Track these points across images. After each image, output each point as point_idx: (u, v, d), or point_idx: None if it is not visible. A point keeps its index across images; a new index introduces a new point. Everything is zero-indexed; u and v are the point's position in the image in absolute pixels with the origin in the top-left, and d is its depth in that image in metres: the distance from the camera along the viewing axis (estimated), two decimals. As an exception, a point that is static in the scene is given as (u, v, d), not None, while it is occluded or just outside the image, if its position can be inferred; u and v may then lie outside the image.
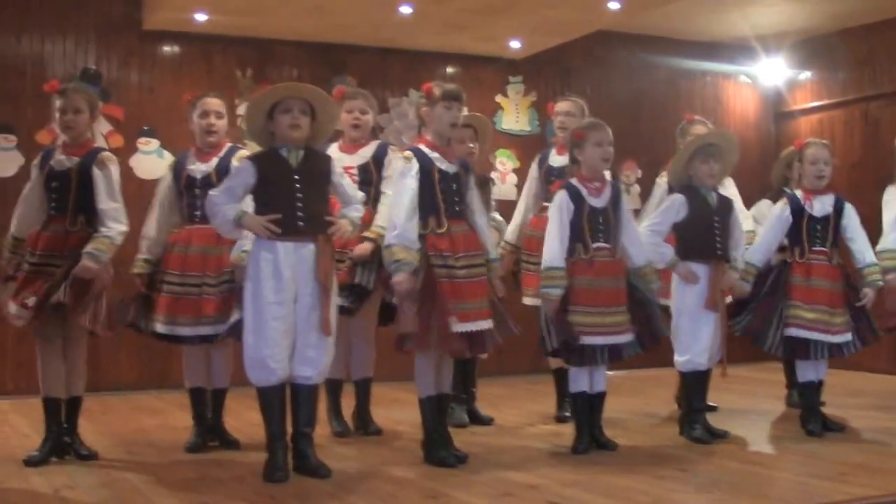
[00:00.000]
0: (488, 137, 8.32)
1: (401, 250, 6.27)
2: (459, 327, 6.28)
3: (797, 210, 7.55)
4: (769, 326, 7.51)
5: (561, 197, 6.86)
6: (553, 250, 6.77)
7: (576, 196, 6.83)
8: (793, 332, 7.43)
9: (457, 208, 6.52)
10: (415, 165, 6.43)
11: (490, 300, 6.54)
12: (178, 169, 7.21)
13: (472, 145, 7.77)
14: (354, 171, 7.55)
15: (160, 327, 6.94)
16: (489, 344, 6.54)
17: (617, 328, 6.75)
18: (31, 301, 6.54)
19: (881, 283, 7.48)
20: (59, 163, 6.78)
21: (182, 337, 6.98)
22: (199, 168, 7.14)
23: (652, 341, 6.99)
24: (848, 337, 7.46)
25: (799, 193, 7.63)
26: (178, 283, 6.94)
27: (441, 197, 6.46)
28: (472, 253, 6.49)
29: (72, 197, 6.73)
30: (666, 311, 7.37)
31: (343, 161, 7.41)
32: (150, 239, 7.12)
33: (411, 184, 6.40)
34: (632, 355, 6.97)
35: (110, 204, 6.75)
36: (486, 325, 6.42)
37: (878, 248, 7.72)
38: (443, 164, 6.51)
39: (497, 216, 8.39)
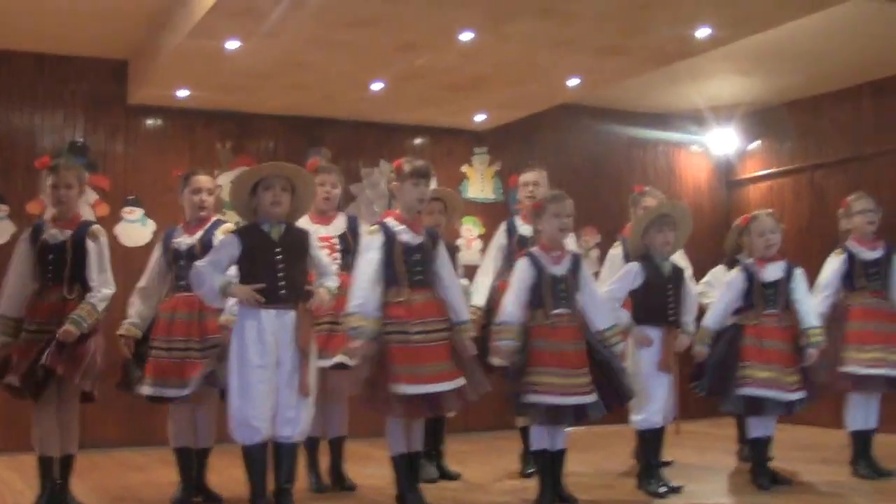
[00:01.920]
0: (457, 211, 8.49)
1: (358, 319, 6.48)
2: (409, 389, 6.44)
3: (750, 277, 7.76)
4: (727, 386, 7.67)
5: (522, 264, 7.05)
6: (506, 308, 6.96)
7: (536, 264, 7.00)
8: (747, 391, 7.58)
9: (417, 278, 6.69)
10: (379, 238, 6.66)
11: (457, 362, 6.66)
12: (166, 243, 7.42)
13: (440, 218, 7.98)
14: (336, 241, 7.80)
15: (147, 389, 7.07)
16: (451, 404, 6.69)
17: (581, 389, 6.82)
18: (15, 381, 6.80)
19: (823, 344, 7.65)
20: (53, 236, 7.02)
21: (168, 398, 7.09)
22: (184, 241, 7.33)
23: (618, 401, 7.04)
24: (802, 394, 7.62)
25: (751, 261, 7.86)
26: (165, 347, 7.09)
27: (403, 268, 6.65)
28: (430, 319, 6.63)
29: (67, 268, 6.99)
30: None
31: (320, 232, 7.64)
32: (137, 305, 7.32)
33: (374, 256, 6.62)
34: (598, 417, 6.97)
35: (99, 274, 7.07)
36: (444, 386, 6.54)
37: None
38: (407, 237, 6.70)
39: (464, 281, 8.45)
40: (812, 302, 7.85)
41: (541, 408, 6.81)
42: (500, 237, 8.57)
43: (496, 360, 7.19)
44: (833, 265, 8.35)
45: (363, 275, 6.62)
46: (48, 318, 6.89)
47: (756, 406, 7.62)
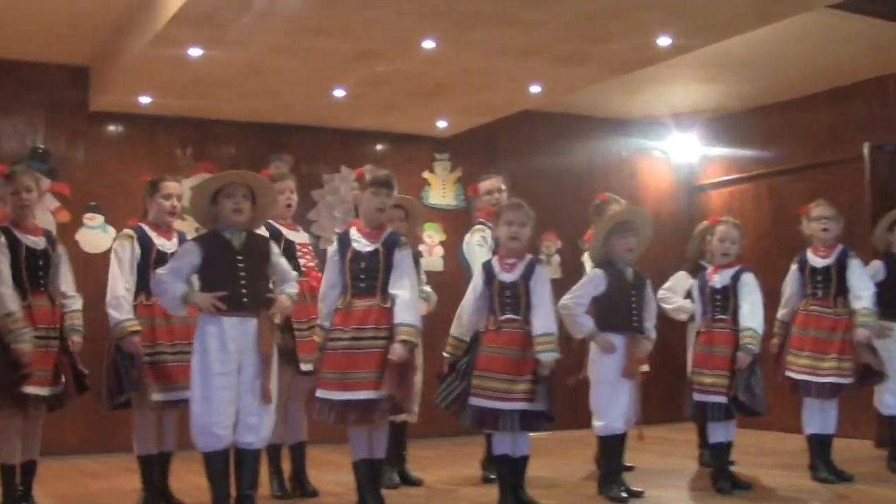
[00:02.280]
0: (419, 219, 8.51)
1: (317, 329, 6.82)
2: (331, 395, 6.56)
3: (702, 283, 7.95)
4: (684, 392, 7.84)
5: (476, 272, 7.18)
6: (458, 316, 7.15)
7: (489, 272, 7.08)
8: (696, 397, 7.76)
9: (362, 285, 6.75)
10: (334, 247, 6.84)
11: (395, 370, 6.60)
12: (144, 243, 7.32)
13: (402, 226, 7.91)
14: (311, 248, 7.98)
15: (160, 396, 7.08)
16: (378, 414, 6.67)
17: (521, 395, 6.86)
18: (43, 391, 6.93)
19: (753, 347, 7.69)
20: (35, 243, 7.04)
21: (177, 401, 7.07)
22: (167, 245, 7.34)
23: (544, 420, 7.02)
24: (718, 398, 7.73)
25: (709, 268, 7.98)
26: (170, 352, 7.14)
27: (349, 276, 6.75)
28: (368, 326, 6.67)
29: (48, 274, 7.06)
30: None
31: (300, 238, 7.86)
32: (127, 300, 7.17)
33: (330, 266, 6.81)
34: (539, 429, 7.08)
35: (72, 281, 7.24)
36: (368, 395, 6.56)
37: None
38: (360, 244, 6.78)
39: (427, 287, 8.45)
40: (755, 308, 7.85)
41: (478, 411, 6.87)
42: (477, 239, 8.47)
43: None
44: (789, 275, 8.56)
45: (322, 286, 6.88)
46: (46, 325, 6.96)
47: (703, 411, 7.79)
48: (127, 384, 7.06)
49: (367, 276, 6.75)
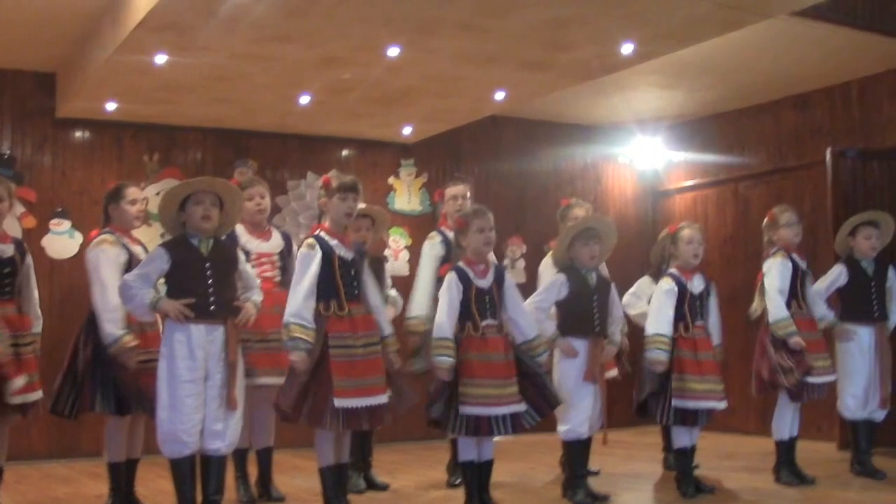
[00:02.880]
0: (384, 226, 8.57)
1: (298, 329, 6.53)
2: (352, 403, 6.54)
3: (681, 287, 7.88)
4: (660, 398, 7.78)
5: (450, 278, 7.09)
6: (442, 323, 6.96)
7: (464, 277, 7.06)
8: (690, 404, 7.69)
9: (355, 292, 6.79)
10: (318, 252, 6.70)
11: (387, 375, 6.79)
12: (125, 250, 7.29)
13: (367, 234, 7.99)
14: (276, 258, 7.95)
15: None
16: (387, 417, 6.79)
17: (512, 398, 6.91)
18: (32, 397, 6.92)
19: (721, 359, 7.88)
20: (3, 251, 6.96)
21: None
22: (139, 251, 7.34)
23: (548, 408, 7.13)
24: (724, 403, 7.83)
25: (676, 272, 7.96)
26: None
27: (341, 282, 6.73)
28: (371, 332, 6.77)
29: (15, 282, 7.00)
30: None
31: (262, 248, 7.84)
32: (121, 311, 7.01)
33: (314, 269, 6.67)
34: (532, 424, 7.07)
35: (36, 298, 7.19)
36: (382, 399, 6.68)
37: (771, 319, 8.19)
38: (341, 251, 6.78)
39: (393, 292, 8.55)
40: (718, 317, 8.01)
41: (473, 419, 6.86)
42: (436, 248, 8.43)
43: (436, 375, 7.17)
44: (782, 269, 8.35)
45: (300, 286, 6.67)
46: (16, 332, 6.90)
47: (691, 416, 7.75)
48: (109, 397, 7.04)
49: (357, 283, 6.83)
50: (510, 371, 6.99)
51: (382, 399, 6.69)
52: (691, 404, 7.69)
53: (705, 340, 7.85)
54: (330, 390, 6.51)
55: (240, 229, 7.73)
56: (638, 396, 7.99)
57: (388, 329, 6.99)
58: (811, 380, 8.18)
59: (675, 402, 7.72)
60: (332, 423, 6.55)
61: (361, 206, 7.45)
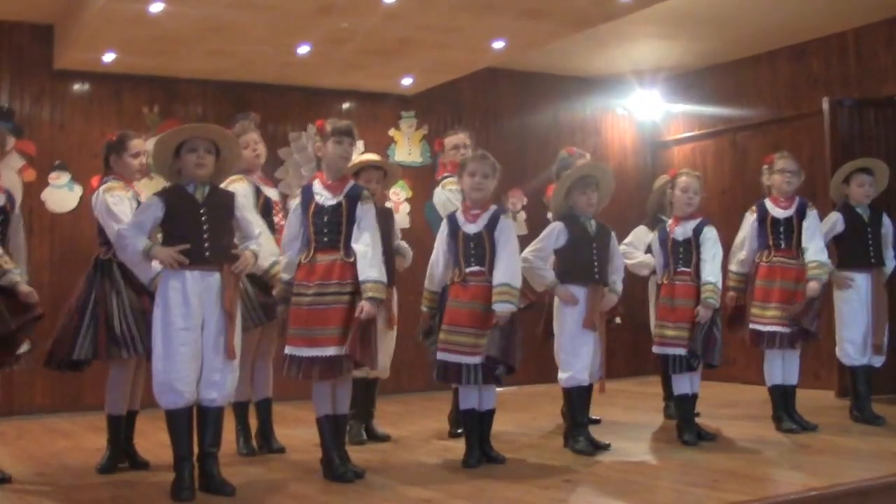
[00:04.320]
0: (394, 181, 8.49)
1: (278, 283, 6.65)
2: (296, 352, 6.38)
3: (664, 234, 7.86)
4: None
5: (441, 225, 7.04)
6: (430, 273, 7.08)
7: (452, 224, 6.99)
8: (656, 349, 7.77)
9: (325, 239, 6.51)
10: (297, 200, 6.64)
11: (358, 328, 6.37)
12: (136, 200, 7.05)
13: (377, 186, 7.81)
14: (281, 205, 7.82)
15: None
16: (339, 369, 6.42)
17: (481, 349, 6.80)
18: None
19: (714, 302, 7.63)
20: None
21: None
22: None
23: (503, 361, 6.87)
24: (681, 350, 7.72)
25: (670, 221, 7.91)
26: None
27: (312, 229, 6.54)
28: (331, 282, 6.43)
29: (7, 231, 6.81)
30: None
31: (274, 195, 7.79)
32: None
33: (292, 218, 6.64)
34: (502, 375, 6.91)
35: (24, 244, 6.97)
36: (330, 351, 6.35)
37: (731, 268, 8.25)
38: (322, 198, 6.56)
39: (402, 243, 8.31)
40: (716, 262, 7.79)
41: (443, 365, 6.83)
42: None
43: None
44: (746, 223, 8.45)
45: (283, 238, 6.68)
46: None
47: (665, 363, 7.77)
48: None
49: (330, 229, 6.52)
50: (489, 322, 6.80)
51: (330, 351, 6.36)
52: (658, 350, 7.76)
53: (687, 287, 7.73)
54: (285, 339, 6.49)
55: (259, 181, 7.66)
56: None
57: (367, 274, 6.46)
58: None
59: (654, 349, 7.80)
60: (287, 371, 6.43)
61: (375, 157, 7.53)
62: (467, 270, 6.89)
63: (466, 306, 6.83)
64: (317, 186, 6.62)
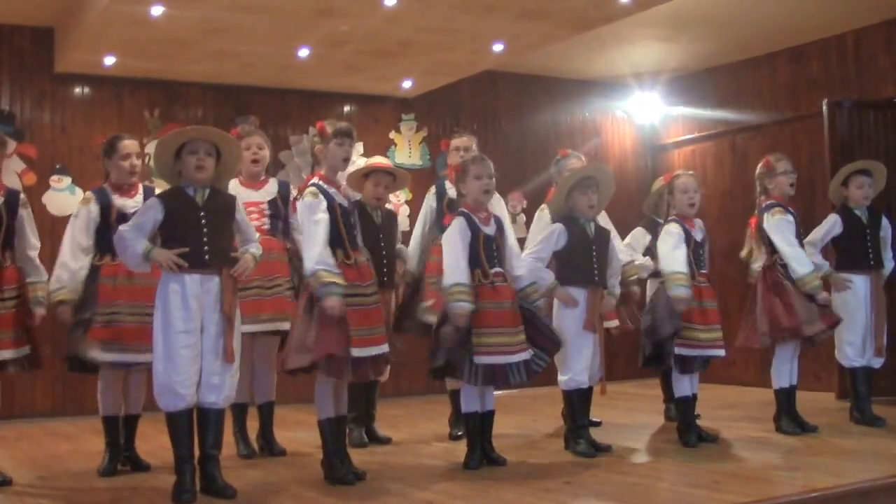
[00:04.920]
0: (400, 188, 8.51)
1: (327, 275, 6.21)
2: (363, 352, 6.32)
3: (686, 233, 7.71)
4: (668, 346, 7.64)
5: (459, 223, 6.87)
6: (455, 268, 6.74)
7: (472, 224, 6.88)
8: (695, 352, 7.63)
9: (357, 240, 6.57)
10: (323, 201, 6.41)
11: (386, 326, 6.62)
12: (105, 203, 7.01)
13: (385, 192, 7.89)
14: (265, 207, 7.67)
15: (106, 356, 6.77)
16: (384, 367, 6.67)
17: (522, 346, 6.79)
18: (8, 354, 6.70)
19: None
20: None
21: (129, 363, 6.84)
22: (128, 204, 7.01)
23: (553, 346, 7.00)
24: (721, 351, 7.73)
25: (678, 219, 7.80)
26: (127, 312, 6.82)
27: (345, 230, 6.49)
28: (374, 281, 6.59)
29: (2, 234, 6.74)
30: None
31: (251, 197, 7.56)
32: (70, 269, 6.89)
33: (324, 217, 6.37)
34: (542, 368, 6.92)
35: (37, 244, 6.97)
36: (385, 348, 6.48)
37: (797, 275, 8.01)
38: (339, 199, 6.53)
39: (404, 248, 8.35)
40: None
41: (489, 368, 6.73)
42: (429, 200, 8.47)
43: (452, 322, 6.80)
44: (787, 226, 8.14)
45: (316, 233, 6.32)
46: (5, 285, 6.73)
47: (688, 364, 7.69)
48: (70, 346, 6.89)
49: (357, 231, 6.61)
50: (519, 318, 6.84)
51: (385, 348, 6.50)
52: (696, 353, 7.62)
53: (709, 289, 7.75)
54: (346, 340, 6.25)
55: (233, 182, 7.47)
56: (645, 348, 7.78)
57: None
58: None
59: (678, 350, 7.59)
60: (343, 373, 6.35)
61: (385, 161, 7.64)
62: (493, 272, 6.85)
63: (503, 307, 6.79)
64: (328, 188, 6.51)
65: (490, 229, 6.94)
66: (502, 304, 6.80)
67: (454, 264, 6.77)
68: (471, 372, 6.73)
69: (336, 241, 6.45)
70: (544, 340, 6.95)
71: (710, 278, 7.78)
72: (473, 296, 6.70)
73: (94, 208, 7.00)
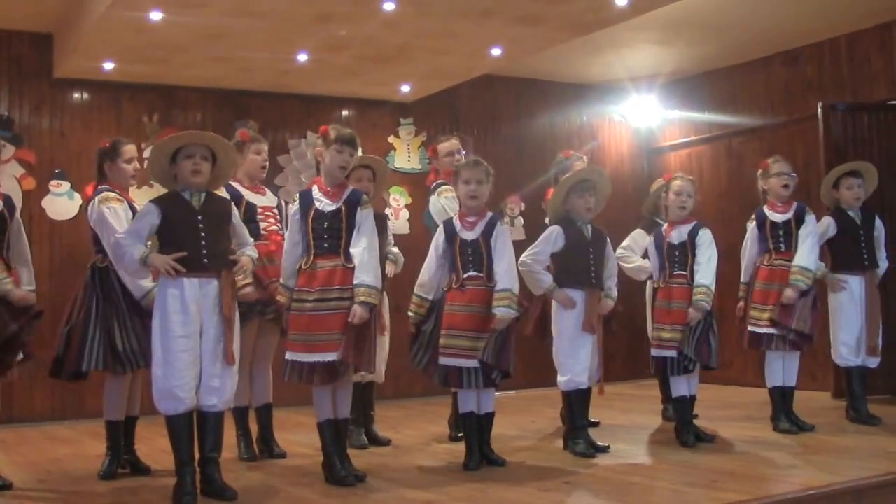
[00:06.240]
0: (385, 179, 8.14)
1: (280, 290, 6.59)
2: (297, 357, 6.34)
3: (659, 240, 7.86)
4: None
5: (437, 231, 7.02)
6: (421, 280, 7.05)
7: (450, 230, 6.96)
8: (653, 352, 7.75)
9: (325, 245, 6.47)
10: (295, 206, 6.57)
11: (353, 333, 6.34)
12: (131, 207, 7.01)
13: (369, 185, 7.64)
14: (276, 210, 7.71)
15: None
16: (339, 373, 6.44)
17: (478, 353, 6.76)
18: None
19: (705, 304, 7.60)
20: None
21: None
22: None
23: (503, 369, 6.90)
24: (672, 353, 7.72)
25: (665, 225, 7.93)
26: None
27: (312, 235, 6.48)
28: (332, 287, 6.39)
29: (5, 238, 6.69)
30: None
31: (262, 202, 7.60)
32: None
33: (292, 224, 6.56)
34: (499, 382, 6.94)
35: (25, 248, 6.86)
36: (331, 356, 6.31)
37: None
38: (322, 204, 6.51)
39: (394, 249, 8.22)
40: (710, 265, 7.74)
41: (444, 370, 6.81)
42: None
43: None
44: (748, 235, 8.45)
45: (285, 244, 6.61)
46: None
47: (661, 366, 7.77)
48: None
49: (330, 235, 6.48)
50: (488, 325, 6.77)
51: (330, 357, 6.31)
52: (655, 352, 7.75)
53: (683, 290, 7.70)
54: (285, 344, 6.47)
55: (241, 187, 7.50)
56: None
57: (360, 279, 6.41)
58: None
59: (652, 352, 7.76)
60: (289, 377, 6.41)
61: (360, 155, 7.28)
62: (465, 276, 6.87)
63: (464, 310, 6.79)
64: (316, 192, 6.58)
65: (471, 234, 6.92)
66: (469, 307, 6.79)
67: (421, 274, 7.04)
68: (437, 372, 6.86)
69: (304, 246, 6.55)
70: (504, 361, 6.85)
71: (690, 279, 7.70)
72: (425, 308, 6.98)
73: (129, 209, 6.97)
